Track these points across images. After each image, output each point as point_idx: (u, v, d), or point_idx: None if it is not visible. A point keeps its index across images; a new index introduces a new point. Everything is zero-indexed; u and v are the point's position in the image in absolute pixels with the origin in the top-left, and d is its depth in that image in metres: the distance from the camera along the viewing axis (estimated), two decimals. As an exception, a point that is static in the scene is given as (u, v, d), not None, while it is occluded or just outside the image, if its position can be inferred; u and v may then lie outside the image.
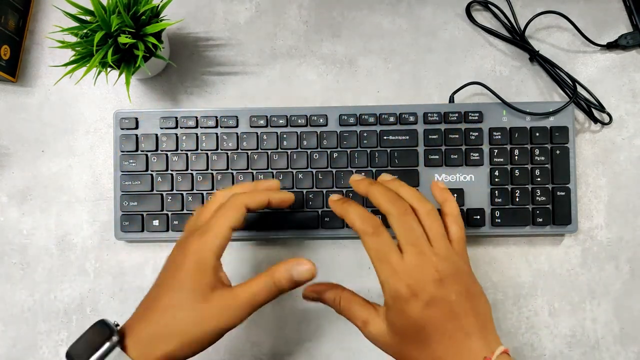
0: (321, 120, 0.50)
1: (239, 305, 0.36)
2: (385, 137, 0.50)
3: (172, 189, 0.50)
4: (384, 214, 0.38)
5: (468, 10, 0.54)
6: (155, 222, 0.50)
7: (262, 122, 0.50)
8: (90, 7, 0.44)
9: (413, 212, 0.38)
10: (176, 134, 0.51)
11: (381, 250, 0.36)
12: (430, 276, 0.35)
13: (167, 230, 0.50)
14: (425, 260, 0.36)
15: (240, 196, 0.39)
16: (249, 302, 0.36)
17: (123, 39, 0.44)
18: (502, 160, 0.50)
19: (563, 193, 0.49)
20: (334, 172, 0.50)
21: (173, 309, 0.35)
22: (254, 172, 0.50)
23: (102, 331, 0.35)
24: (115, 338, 0.34)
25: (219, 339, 0.36)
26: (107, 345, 0.34)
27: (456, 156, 0.50)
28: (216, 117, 0.51)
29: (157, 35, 0.47)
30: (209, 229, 0.37)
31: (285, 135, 0.50)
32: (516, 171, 0.50)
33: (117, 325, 0.36)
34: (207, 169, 0.50)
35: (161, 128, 0.51)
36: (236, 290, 0.36)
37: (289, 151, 0.50)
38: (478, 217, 0.49)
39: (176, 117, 0.51)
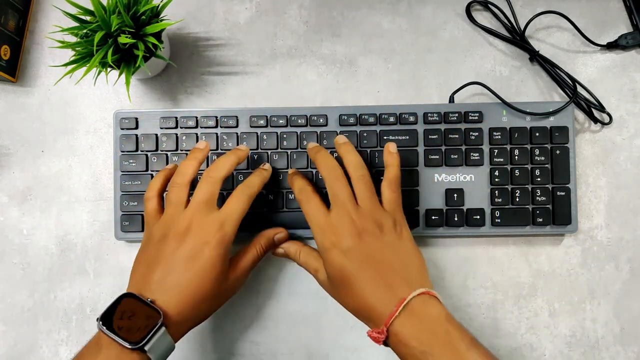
0: (321, 120, 0.50)
1: (244, 273, 0.45)
2: (385, 137, 0.50)
3: (172, 189, 0.50)
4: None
5: (468, 10, 0.54)
6: (155, 222, 0.50)
7: (262, 122, 0.50)
8: (90, 7, 0.44)
9: (344, 178, 0.43)
10: (176, 134, 0.51)
11: (311, 213, 0.43)
12: (349, 231, 0.41)
13: (167, 230, 0.50)
14: (345, 218, 0.42)
15: (215, 173, 0.44)
16: (249, 268, 0.46)
17: (123, 39, 0.44)
18: (502, 160, 0.50)
19: (563, 193, 0.49)
20: (334, 172, 0.50)
21: (211, 300, 0.42)
22: (254, 172, 0.50)
23: (152, 313, 0.38)
24: (161, 320, 0.38)
25: None
26: (156, 327, 0.38)
27: (456, 156, 0.50)
28: (216, 117, 0.51)
29: (157, 35, 0.47)
30: (225, 218, 0.42)
31: (285, 135, 0.50)
32: (516, 171, 0.50)
33: (152, 302, 0.39)
34: (207, 169, 0.50)
35: (161, 128, 0.51)
36: (239, 263, 0.45)
37: (289, 151, 0.50)
38: (478, 217, 0.49)
39: (176, 117, 0.51)
